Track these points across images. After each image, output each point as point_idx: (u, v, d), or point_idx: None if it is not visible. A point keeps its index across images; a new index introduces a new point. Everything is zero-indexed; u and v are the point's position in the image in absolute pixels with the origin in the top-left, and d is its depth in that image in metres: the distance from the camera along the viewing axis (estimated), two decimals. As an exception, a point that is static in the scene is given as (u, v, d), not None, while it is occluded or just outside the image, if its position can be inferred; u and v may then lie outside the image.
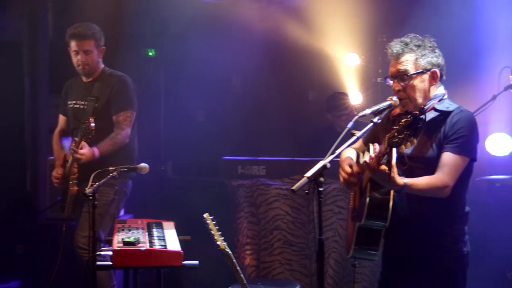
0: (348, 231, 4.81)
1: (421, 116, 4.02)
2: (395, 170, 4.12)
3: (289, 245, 7.27)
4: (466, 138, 4.43)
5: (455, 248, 4.56)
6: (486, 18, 8.65)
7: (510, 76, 7.12)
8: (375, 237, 4.48)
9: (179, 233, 5.73)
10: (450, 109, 4.50)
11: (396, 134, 3.98)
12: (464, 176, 4.47)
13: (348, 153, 4.86)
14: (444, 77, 4.62)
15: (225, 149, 8.29)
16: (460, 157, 4.40)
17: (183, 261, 5.11)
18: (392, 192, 4.30)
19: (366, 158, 4.27)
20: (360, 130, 4.36)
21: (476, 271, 5.03)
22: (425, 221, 4.51)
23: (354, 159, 4.82)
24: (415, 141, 3.97)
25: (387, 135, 4.08)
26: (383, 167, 4.12)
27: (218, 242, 5.19)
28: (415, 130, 3.95)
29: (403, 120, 4.00)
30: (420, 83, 4.51)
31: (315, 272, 6.89)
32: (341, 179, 4.63)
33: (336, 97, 8.44)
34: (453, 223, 4.56)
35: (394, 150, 4.04)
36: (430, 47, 4.56)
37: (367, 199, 4.32)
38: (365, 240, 4.50)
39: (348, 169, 4.57)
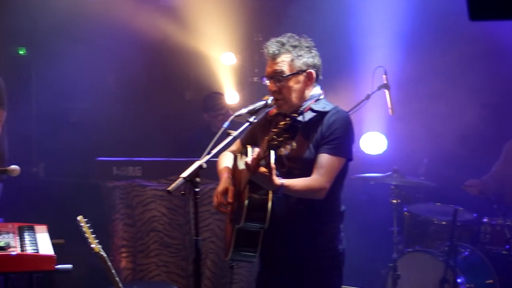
0: (226, 233, 4.81)
1: (299, 119, 4.05)
2: (273, 171, 4.14)
3: (166, 247, 7.24)
4: (342, 139, 4.50)
5: (331, 246, 4.64)
6: (360, 18, 8.83)
7: (383, 76, 7.26)
8: (254, 239, 4.50)
9: (52, 237, 5.60)
10: (327, 109, 4.56)
11: (275, 137, 3.99)
12: (340, 176, 4.55)
13: (225, 160, 4.87)
14: (320, 77, 4.67)
15: (100, 149, 8.16)
16: (336, 158, 4.47)
17: (56, 265, 4.99)
18: (270, 193, 4.33)
19: (246, 160, 4.26)
20: (236, 129, 4.37)
21: (352, 268, 5.12)
22: (302, 221, 4.57)
23: (231, 164, 4.83)
24: (294, 144, 3.99)
25: (266, 137, 4.09)
26: (262, 169, 4.14)
27: (93, 245, 5.10)
28: (294, 133, 3.98)
29: (281, 123, 4.02)
30: (296, 84, 4.54)
31: (192, 273, 6.87)
32: (214, 203, 4.65)
33: (212, 97, 8.44)
34: (330, 222, 4.64)
35: (273, 152, 4.06)
36: (306, 47, 4.59)
37: (246, 201, 4.32)
38: (244, 242, 4.51)
39: (220, 199, 4.59)
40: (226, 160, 4.88)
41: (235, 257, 4.60)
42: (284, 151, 4.01)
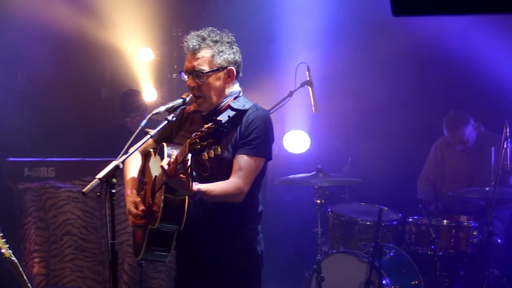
0: (137, 233, 4.77)
1: (225, 123, 4.04)
2: (189, 177, 4.14)
3: (81, 251, 7.17)
4: (262, 139, 4.51)
5: (249, 248, 4.66)
6: (283, 12, 8.87)
7: (307, 72, 7.28)
8: (168, 239, 4.50)
9: (-42, 242, 5.50)
10: (246, 107, 4.56)
11: (198, 140, 3.97)
12: (259, 176, 4.58)
13: (131, 168, 4.80)
14: (240, 74, 4.67)
15: (10, 149, 8.04)
16: (255, 159, 4.49)
17: (-36, 272, 4.93)
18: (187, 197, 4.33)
19: (162, 164, 4.22)
20: (154, 128, 4.35)
21: (275, 270, 5.16)
22: (219, 222, 4.57)
23: (137, 169, 4.78)
24: (219, 149, 3.98)
25: (188, 140, 4.06)
26: (181, 175, 4.13)
27: (3, 250, 5.03)
28: (219, 138, 3.96)
29: (206, 126, 4.00)
30: (216, 81, 4.52)
31: (109, 278, 6.82)
32: (130, 222, 4.61)
33: (129, 96, 8.37)
34: (247, 223, 4.66)
35: (189, 155, 4.06)
36: (228, 42, 4.57)
37: (162, 202, 4.31)
38: (156, 242, 4.51)
39: (134, 210, 4.54)
40: (132, 168, 4.82)
41: (147, 257, 4.60)
42: (207, 156, 4.00)
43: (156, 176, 4.54)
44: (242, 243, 4.63)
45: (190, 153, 4.02)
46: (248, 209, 4.64)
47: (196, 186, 4.24)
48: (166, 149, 4.40)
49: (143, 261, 4.81)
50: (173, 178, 4.16)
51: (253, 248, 4.66)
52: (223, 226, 4.58)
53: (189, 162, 4.09)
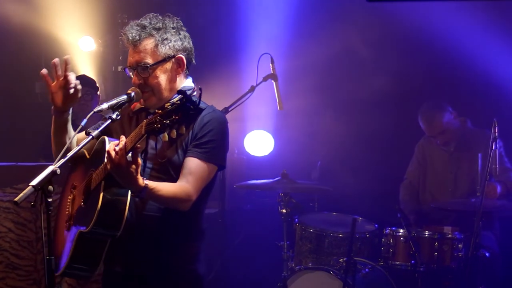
0: (58, 243, 4.66)
1: (195, 100, 3.96)
2: (139, 169, 4.10)
3: (13, 269, 7.12)
4: (217, 143, 4.49)
5: (190, 268, 4.61)
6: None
7: (270, 64, 7.24)
8: (98, 250, 4.38)
9: None
10: (201, 106, 4.52)
11: (159, 118, 3.91)
12: (208, 185, 4.54)
13: None
14: (193, 62, 4.64)
15: None
16: (208, 165, 4.46)
17: None
18: (129, 195, 4.25)
19: (109, 149, 4.13)
20: (94, 128, 4.33)
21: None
22: (158, 234, 4.51)
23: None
24: (184, 129, 3.95)
25: (145, 120, 4.01)
26: (133, 166, 4.08)
27: None
28: (186, 115, 3.91)
29: (167, 105, 3.95)
30: (163, 73, 4.48)
31: (45, 300, 6.78)
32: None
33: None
34: (191, 240, 4.61)
35: (145, 137, 4.02)
36: (173, 28, 4.53)
37: (100, 201, 4.24)
38: (84, 254, 4.39)
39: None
40: None
41: (69, 271, 4.44)
42: (167, 137, 3.96)
43: (92, 173, 4.47)
44: (182, 262, 4.57)
45: (147, 134, 3.97)
46: (193, 222, 4.60)
47: (144, 181, 4.19)
48: (108, 140, 4.34)
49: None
50: (120, 167, 4.08)
51: (195, 269, 4.61)
52: (162, 240, 4.51)
53: (140, 149, 4.06)
